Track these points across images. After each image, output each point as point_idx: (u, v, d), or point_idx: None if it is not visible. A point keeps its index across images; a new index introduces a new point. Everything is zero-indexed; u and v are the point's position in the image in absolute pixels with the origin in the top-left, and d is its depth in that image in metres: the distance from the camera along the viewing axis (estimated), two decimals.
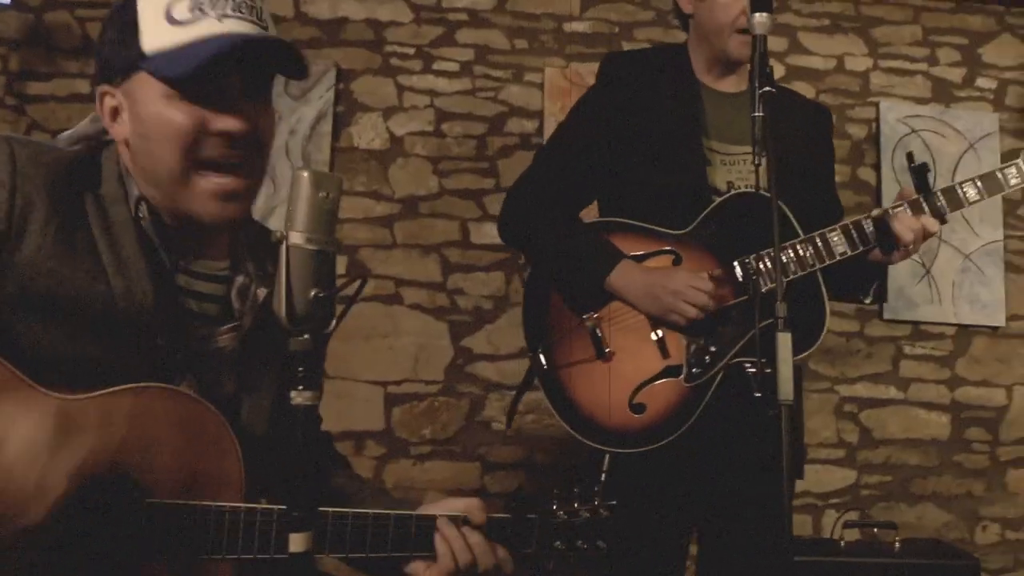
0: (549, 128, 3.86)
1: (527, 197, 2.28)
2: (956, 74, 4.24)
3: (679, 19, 2.34)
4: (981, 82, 4.24)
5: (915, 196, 2.09)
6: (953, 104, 4.19)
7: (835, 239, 2.08)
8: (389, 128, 3.88)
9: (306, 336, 1.12)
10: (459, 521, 1.43)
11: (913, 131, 4.10)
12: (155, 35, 1.27)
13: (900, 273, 3.94)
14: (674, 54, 2.29)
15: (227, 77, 1.29)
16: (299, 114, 3.77)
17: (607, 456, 1.71)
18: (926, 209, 2.08)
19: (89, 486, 1.22)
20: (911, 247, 2.04)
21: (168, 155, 1.29)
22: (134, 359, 1.30)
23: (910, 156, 2.13)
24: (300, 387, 1.11)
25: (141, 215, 1.33)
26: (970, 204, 2.10)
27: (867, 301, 2.24)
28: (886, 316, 3.99)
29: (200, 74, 1.24)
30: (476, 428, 3.77)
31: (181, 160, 1.29)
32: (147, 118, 1.29)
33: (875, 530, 3.30)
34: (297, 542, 1.06)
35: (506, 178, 3.89)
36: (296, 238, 1.10)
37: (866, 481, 3.90)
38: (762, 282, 2.06)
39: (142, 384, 1.27)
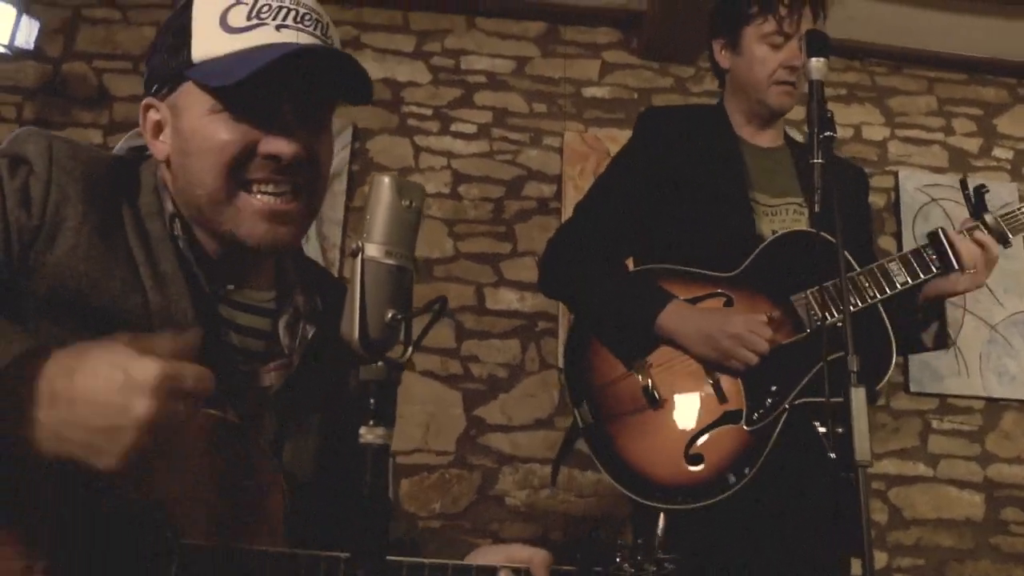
0: (568, 192, 3.80)
1: (568, 245, 2.21)
2: (972, 144, 4.23)
3: (716, 74, 2.33)
4: (998, 152, 4.23)
5: (973, 223, 2.03)
6: (971, 173, 4.16)
7: (894, 268, 2.00)
8: None
9: (380, 364, 0.99)
10: (521, 574, 1.29)
11: (932, 200, 4.06)
12: (206, 42, 1.17)
13: None
14: (711, 111, 2.28)
15: (280, 93, 1.18)
16: None
17: (661, 516, 1.57)
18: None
19: (119, 518, 1.07)
20: (974, 269, 1.96)
21: (209, 173, 1.17)
22: None
23: (964, 182, 2.08)
24: (371, 422, 0.98)
25: (176, 232, 1.22)
26: None
27: (929, 346, 2.14)
28: (912, 389, 3.87)
29: (248, 83, 1.12)
30: (488, 503, 3.59)
31: (224, 179, 1.17)
32: (190, 133, 1.18)
33: None
34: None
35: (523, 243, 3.81)
36: (373, 251, 0.97)
37: (898, 564, 3.71)
38: (819, 316, 1.97)
39: None
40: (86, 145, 1.24)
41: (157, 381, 0.90)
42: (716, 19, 2.25)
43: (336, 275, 3.57)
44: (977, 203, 2.02)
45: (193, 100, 1.17)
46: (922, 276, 1.99)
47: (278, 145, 1.17)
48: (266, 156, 1.17)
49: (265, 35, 1.16)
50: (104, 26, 3.88)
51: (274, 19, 1.17)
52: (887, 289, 1.98)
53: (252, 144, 1.17)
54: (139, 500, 1.08)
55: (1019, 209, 2.03)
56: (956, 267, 1.96)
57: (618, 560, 1.40)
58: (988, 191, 2.04)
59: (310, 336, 1.31)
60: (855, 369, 1.54)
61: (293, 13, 1.19)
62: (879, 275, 1.99)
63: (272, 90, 1.16)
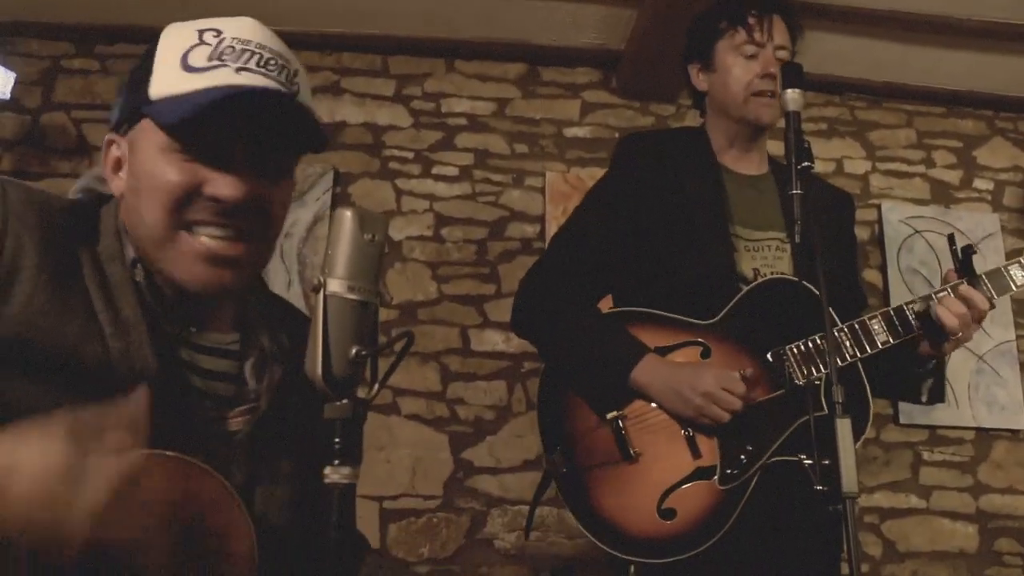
0: (551, 232, 3.79)
1: (542, 285, 2.14)
2: (953, 176, 4.26)
3: (694, 99, 2.27)
4: (978, 183, 4.26)
5: (959, 280, 1.96)
6: (953, 205, 4.19)
7: (876, 327, 1.94)
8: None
9: (345, 401, 0.97)
10: None
11: (916, 232, 4.07)
12: (165, 80, 1.15)
13: None
14: (692, 136, 2.21)
15: (234, 136, 1.16)
16: (295, 216, 3.69)
17: (632, 568, 1.52)
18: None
19: (71, 568, 1.01)
20: (961, 334, 1.88)
21: (153, 212, 1.14)
22: None
23: (951, 238, 2.01)
24: (336, 462, 0.95)
25: (137, 278, 1.18)
26: (1018, 288, 1.97)
27: (923, 400, 2.07)
28: (902, 421, 3.85)
29: (200, 123, 1.10)
30: (477, 546, 3.53)
31: (165, 218, 1.14)
32: (141, 170, 1.16)
33: None
34: None
35: (507, 284, 3.80)
36: (335, 286, 0.96)
37: None
38: (798, 374, 1.92)
39: (147, 451, 1.05)
40: (42, 190, 1.20)
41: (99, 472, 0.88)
42: (689, 43, 2.21)
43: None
44: (965, 265, 1.95)
45: (147, 137, 1.16)
46: (903, 336, 1.94)
47: (222, 187, 1.14)
48: (210, 198, 1.14)
49: (223, 76, 1.14)
50: (82, 76, 3.90)
51: (235, 62, 1.15)
52: (867, 348, 1.93)
53: (199, 185, 1.14)
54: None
55: (1004, 267, 1.98)
56: (944, 337, 1.89)
57: None
58: (976, 252, 1.96)
59: (277, 377, 1.27)
60: (840, 400, 1.52)
61: (257, 57, 1.16)
62: (860, 333, 1.94)
63: (225, 132, 1.14)
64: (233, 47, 1.16)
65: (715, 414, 1.86)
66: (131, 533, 1.05)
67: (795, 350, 1.93)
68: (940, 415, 3.84)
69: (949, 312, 1.86)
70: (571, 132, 4.04)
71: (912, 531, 3.75)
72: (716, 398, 1.86)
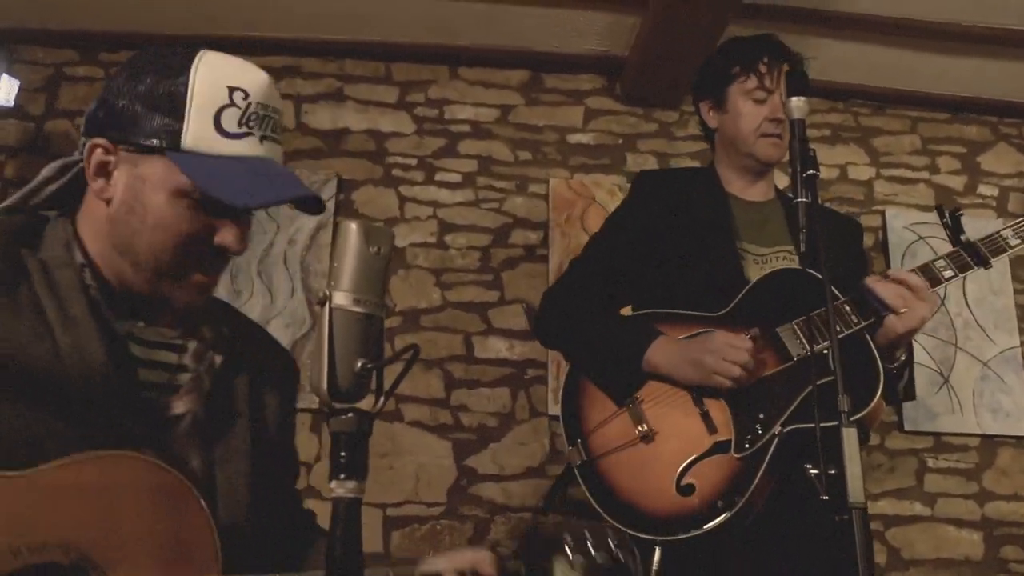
0: (555, 239, 3.80)
1: (564, 295, 2.29)
2: (957, 182, 4.25)
3: (705, 134, 2.42)
4: (983, 189, 4.25)
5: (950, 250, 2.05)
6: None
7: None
8: None
9: (350, 415, 0.96)
10: None
11: (920, 238, 4.06)
12: (199, 136, 1.23)
13: (918, 383, 3.80)
14: (702, 172, 2.37)
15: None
16: (298, 224, 3.69)
17: (657, 551, 1.52)
18: (938, 272, 2.02)
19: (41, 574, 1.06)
20: (904, 308, 1.93)
21: (157, 248, 1.25)
22: (84, 429, 1.17)
23: (940, 210, 2.11)
24: (341, 476, 0.95)
25: (87, 282, 1.26)
26: (1011, 249, 2.03)
27: (900, 398, 2.18)
28: (906, 428, 3.83)
29: (251, 208, 1.27)
30: None
31: (177, 258, 1.26)
32: (150, 204, 1.24)
33: None
34: None
35: (511, 290, 3.80)
36: (341, 299, 0.97)
37: None
38: (806, 344, 1.99)
39: (100, 451, 1.14)
40: None
41: None
42: (701, 82, 2.35)
43: (313, 326, 3.56)
44: (955, 228, 2.05)
45: (161, 176, 1.23)
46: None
47: (231, 240, 1.27)
48: (218, 247, 1.27)
49: (251, 146, 1.25)
50: (86, 84, 3.90)
51: (260, 129, 1.26)
52: (871, 316, 1.98)
53: (207, 234, 1.26)
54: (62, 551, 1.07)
55: (998, 233, 2.04)
56: (884, 311, 1.95)
57: (568, 552, 1.36)
58: (963, 214, 2.07)
59: (219, 363, 1.37)
60: (845, 409, 1.54)
61: (272, 123, 1.28)
62: (861, 303, 2.00)
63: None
64: (257, 113, 1.26)
65: (724, 368, 1.94)
66: (106, 534, 1.11)
67: (801, 324, 2.01)
68: (944, 422, 3.83)
69: (885, 287, 1.95)
70: (574, 139, 4.05)
71: (917, 538, 3.74)
72: (724, 353, 1.95)
